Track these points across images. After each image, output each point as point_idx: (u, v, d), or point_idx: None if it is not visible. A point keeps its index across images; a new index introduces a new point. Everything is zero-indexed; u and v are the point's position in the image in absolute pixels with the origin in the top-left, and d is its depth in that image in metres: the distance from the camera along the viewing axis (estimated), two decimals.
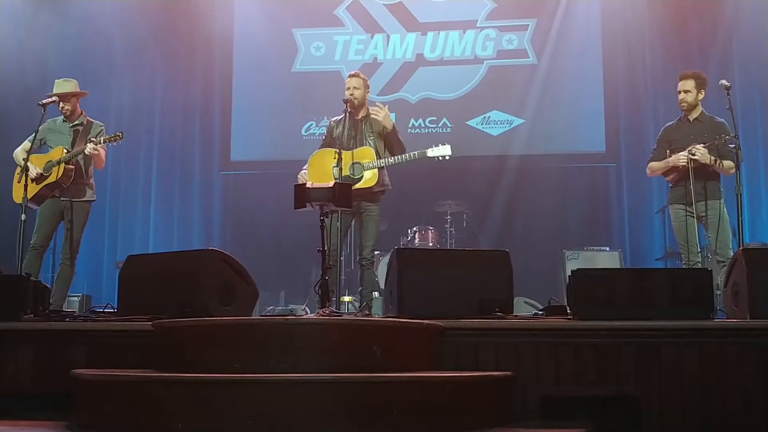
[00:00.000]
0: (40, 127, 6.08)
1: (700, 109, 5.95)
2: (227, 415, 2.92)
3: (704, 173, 5.72)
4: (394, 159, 5.88)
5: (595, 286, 3.79)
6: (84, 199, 6.17)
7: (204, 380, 3.05)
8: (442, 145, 6.02)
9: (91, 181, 6.26)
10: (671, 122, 6.17)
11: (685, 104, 5.92)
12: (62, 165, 5.97)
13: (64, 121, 6.25)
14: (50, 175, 6.00)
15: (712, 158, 5.65)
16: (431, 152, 5.99)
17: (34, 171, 5.99)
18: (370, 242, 5.90)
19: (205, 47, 9.84)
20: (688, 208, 5.79)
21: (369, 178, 5.80)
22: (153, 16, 9.59)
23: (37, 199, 6.03)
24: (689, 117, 5.96)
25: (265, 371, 3.13)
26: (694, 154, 5.66)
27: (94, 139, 6.04)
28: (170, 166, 9.70)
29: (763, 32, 8.60)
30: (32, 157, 6.07)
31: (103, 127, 6.32)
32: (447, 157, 6.01)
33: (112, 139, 6.05)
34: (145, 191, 9.68)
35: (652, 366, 3.59)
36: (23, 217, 5.65)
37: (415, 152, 5.95)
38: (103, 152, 6.17)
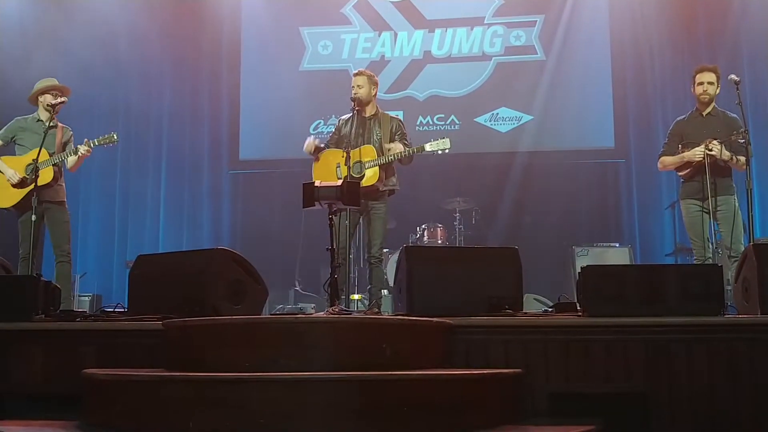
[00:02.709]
0: (9, 124, 6.00)
1: (713, 103, 5.90)
2: (237, 414, 2.92)
3: (717, 169, 5.68)
4: (394, 156, 5.87)
5: (604, 283, 3.78)
6: (62, 199, 6.13)
7: (214, 379, 3.05)
8: (441, 138, 6.02)
9: (63, 183, 6.20)
10: (683, 116, 6.12)
11: (707, 96, 5.83)
12: (51, 167, 5.91)
13: (38, 120, 6.11)
14: (38, 177, 5.72)
15: (728, 154, 5.59)
16: (430, 146, 5.99)
17: (11, 174, 5.90)
18: (377, 240, 5.92)
19: (212, 46, 9.87)
20: (701, 204, 5.76)
21: (370, 176, 5.82)
22: (160, 17, 9.61)
23: (24, 202, 5.83)
24: (702, 111, 5.90)
25: (274, 370, 3.13)
26: (711, 150, 5.60)
27: (87, 140, 5.98)
28: (179, 166, 9.73)
29: None
30: (5, 159, 5.98)
31: (72, 132, 6.27)
32: (447, 150, 6.01)
33: (107, 141, 6.02)
34: (155, 191, 9.71)
35: (661, 362, 3.57)
36: (33, 217, 5.59)
37: (414, 147, 5.95)
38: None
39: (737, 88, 5.55)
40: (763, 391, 3.51)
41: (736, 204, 5.74)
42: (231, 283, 4.09)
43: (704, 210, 5.75)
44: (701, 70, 5.91)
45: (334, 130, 6.24)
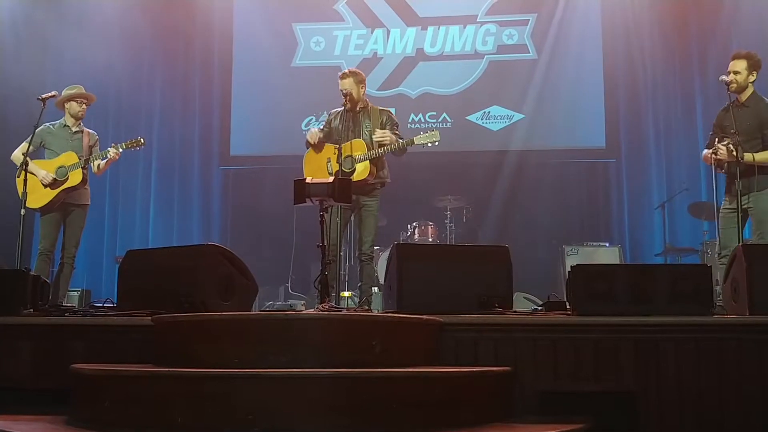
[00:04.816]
0: (37, 130, 6.08)
1: (749, 92, 5.55)
2: (226, 410, 2.92)
3: (749, 166, 5.28)
4: (384, 149, 5.86)
5: (594, 282, 3.78)
6: (86, 202, 6.35)
7: (203, 375, 3.05)
8: (431, 131, 6.01)
9: (89, 186, 6.41)
10: (724, 106, 5.73)
11: (734, 85, 5.51)
12: (80, 170, 6.15)
13: (64, 126, 6.34)
14: (67, 180, 6.12)
15: (734, 153, 5.25)
16: (419, 139, 5.96)
17: (44, 175, 6.06)
18: (369, 237, 5.89)
19: (204, 42, 9.85)
20: (733, 202, 5.42)
21: (361, 170, 5.78)
22: (152, 11, 9.59)
23: (53, 203, 6.12)
24: (740, 100, 5.54)
25: (264, 366, 3.13)
26: (716, 153, 5.34)
27: (115, 144, 6.28)
28: (170, 161, 9.71)
29: (763, 26, 8.59)
30: (36, 162, 6.15)
31: (98, 137, 6.51)
32: (436, 143, 5.99)
33: (134, 144, 6.33)
34: (145, 186, 9.69)
35: (650, 362, 3.59)
36: (23, 211, 5.67)
37: (403, 140, 5.93)
38: None
39: (728, 89, 5.51)
40: (750, 391, 3.53)
41: None
42: (221, 278, 4.08)
43: (737, 210, 5.34)
44: (732, 58, 5.61)
45: (324, 123, 6.19)
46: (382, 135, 5.81)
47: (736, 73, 5.52)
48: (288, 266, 7.07)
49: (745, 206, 5.35)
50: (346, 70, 6.17)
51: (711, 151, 5.43)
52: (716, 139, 5.54)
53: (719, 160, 5.38)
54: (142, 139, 6.39)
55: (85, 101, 6.38)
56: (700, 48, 9.04)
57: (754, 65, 5.54)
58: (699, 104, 8.91)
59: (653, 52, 9.25)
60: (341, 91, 5.94)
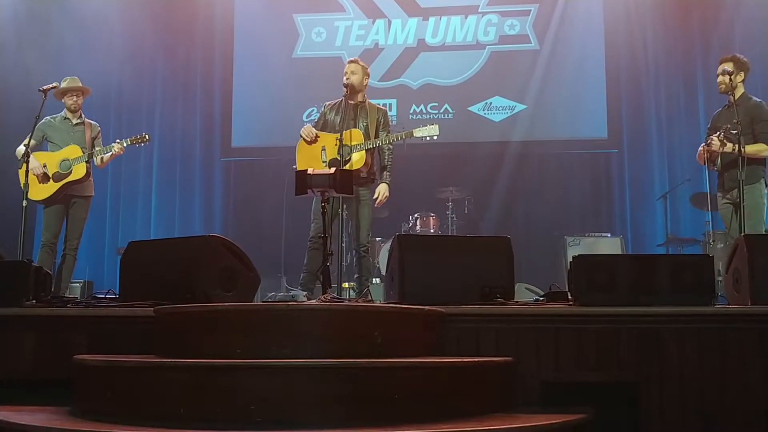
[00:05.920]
0: (39, 124, 6.11)
1: (740, 92, 5.80)
2: (229, 401, 2.93)
3: (741, 159, 5.42)
4: (381, 140, 5.85)
5: (596, 273, 3.78)
6: (90, 194, 6.38)
7: (205, 366, 3.05)
8: (430, 125, 6.00)
9: (92, 178, 6.43)
10: (719, 108, 6.04)
11: (723, 86, 5.77)
12: (84, 163, 6.18)
13: (65, 119, 6.36)
14: (71, 173, 6.17)
15: (729, 145, 5.47)
16: (418, 132, 5.96)
17: (35, 166, 6.07)
18: (365, 227, 5.85)
19: (205, 33, 9.83)
20: (726, 196, 5.72)
21: (356, 160, 5.75)
22: (153, 3, 9.59)
23: (57, 195, 6.17)
24: (731, 101, 5.75)
25: (266, 357, 3.13)
26: (709, 145, 5.58)
27: (119, 140, 6.32)
28: (171, 153, 9.71)
29: (765, 17, 8.56)
30: (37, 154, 6.18)
31: (100, 129, 6.52)
32: (435, 137, 5.98)
33: (139, 140, 6.37)
34: (147, 178, 9.69)
35: (652, 352, 3.59)
36: (24, 203, 5.71)
37: (402, 133, 5.92)
38: None
39: (730, 79, 5.60)
40: (751, 381, 3.53)
41: (763, 192, 5.60)
42: (223, 269, 4.08)
43: (732, 202, 5.61)
44: (720, 62, 5.88)
45: (319, 116, 6.17)
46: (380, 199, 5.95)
47: (724, 74, 5.74)
48: (290, 257, 7.09)
49: (737, 199, 5.47)
50: (357, 58, 6.20)
51: (704, 144, 5.62)
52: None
53: (712, 152, 5.58)
54: (147, 135, 6.42)
55: (77, 94, 6.37)
56: (703, 38, 9.01)
57: (740, 66, 5.83)
58: (701, 95, 8.90)
59: (655, 42, 9.23)
60: (345, 74, 5.92)
